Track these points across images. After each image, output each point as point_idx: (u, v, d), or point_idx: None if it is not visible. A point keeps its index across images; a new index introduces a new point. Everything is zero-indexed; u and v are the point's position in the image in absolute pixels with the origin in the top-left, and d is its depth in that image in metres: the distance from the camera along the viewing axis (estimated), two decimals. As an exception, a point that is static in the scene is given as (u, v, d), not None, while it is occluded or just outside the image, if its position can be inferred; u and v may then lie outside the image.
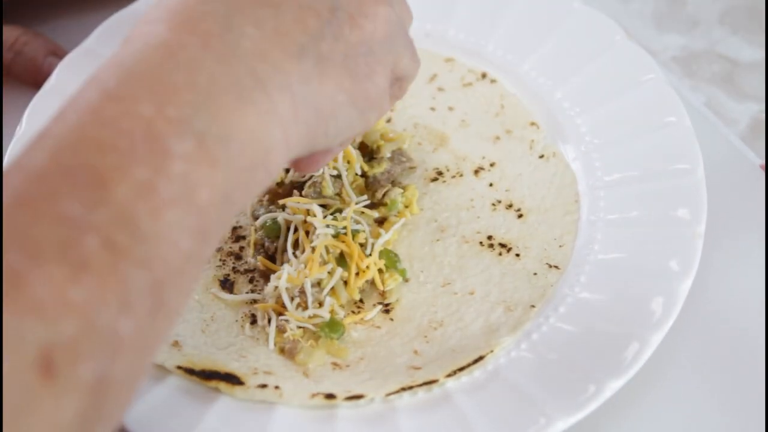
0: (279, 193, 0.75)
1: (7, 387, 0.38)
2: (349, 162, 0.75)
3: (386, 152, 0.77)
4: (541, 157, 0.78)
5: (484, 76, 0.83)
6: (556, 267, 0.71)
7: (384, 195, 0.75)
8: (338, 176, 0.74)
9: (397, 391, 0.64)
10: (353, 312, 0.70)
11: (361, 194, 0.74)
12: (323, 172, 0.73)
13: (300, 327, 0.68)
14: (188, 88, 0.48)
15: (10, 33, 0.84)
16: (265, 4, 0.52)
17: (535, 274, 0.71)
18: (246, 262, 0.73)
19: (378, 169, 0.76)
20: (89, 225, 0.42)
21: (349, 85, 0.55)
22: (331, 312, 0.69)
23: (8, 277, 0.39)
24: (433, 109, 0.82)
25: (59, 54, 0.85)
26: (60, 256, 0.40)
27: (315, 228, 0.70)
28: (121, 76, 0.48)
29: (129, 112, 0.46)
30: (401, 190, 0.75)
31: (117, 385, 0.42)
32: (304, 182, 0.74)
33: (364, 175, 0.76)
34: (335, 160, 0.74)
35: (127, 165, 0.44)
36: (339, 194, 0.73)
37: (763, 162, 0.81)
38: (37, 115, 0.79)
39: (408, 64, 0.62)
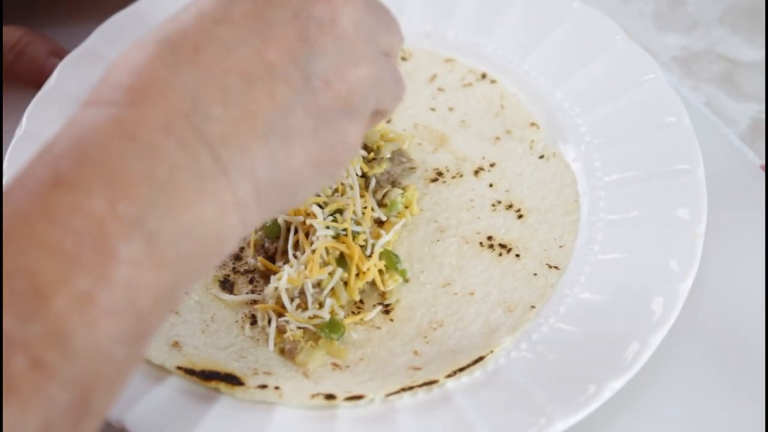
0: None
1: None
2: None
3: (386, 153, 0.77)
4: (541, 157, 0.78)
5: (484, 76, 0.83)
6: (556, 267, 0.71)
7: (384, 196, 0.75)
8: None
9: (397, 392, 0.64)
10: (353, 312, 0.70)
11: (361, 195, 0.74)
12: None
13: (300, 328, 0.68)
14: (146, 180, 0.45)
15: (12, 34, 0.84)
16: (236, 74, 0.49)
17: (535, 274, 0.71)
18: (246, 263, 0.73)
19: (378, 170, 0.76)
20: (20, 342, 0.41)
21: (317, 155, 0.52)
22: (331, 313, 0.69)
23: None
24: (433, 109, 0.82)
25: (61, 54, 0.84)
26: None
27: (315, 229, 0.70)
28: (76, 156, 0.45)
29: (80, 207, 0.43)
30: (401, 191, 0.75)
31: None
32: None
33: (363, 175, 0.76)
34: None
35: (69, 272, 0.42)
36: (336, 190, 0.73)
37: (763, 162, 0.81)
38: (37, 115, 0.79)
39: (389, 102, 0.60)
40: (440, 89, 0.83)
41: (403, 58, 0.85)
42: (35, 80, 0.84)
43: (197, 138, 0.47)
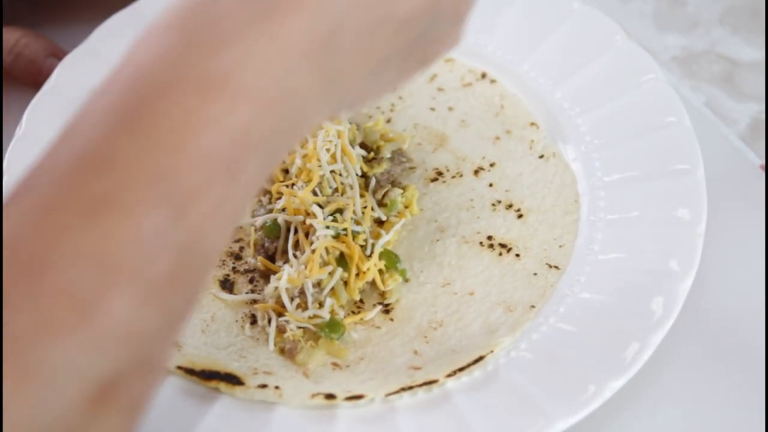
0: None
1: None
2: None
3: (386, 152, 0.77)
4: (541, 157, 0.78)
5: (484, 76, 0.83)
6: (556, 267, 0.71)
7: (384, 195, 0.75)
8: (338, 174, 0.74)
9: (397, 392, 0.64)
10: (353, 312, 0.70)
11: (361, 195, 0.74)
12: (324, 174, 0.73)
13: (300, 327, 0.68)
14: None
15: (11, 35, 0.84)
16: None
17: (535, 274, 0.71)
18: (246, 263, 0.73)
19: (378, 170, 0.76)
20: None
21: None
22: (331, 312, 0.69)
23: None
24: (433, 109, 0.82)
25: (59, 55, 0.85)
26: None
27: (315, 229, 0.70)
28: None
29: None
30: (401, 191, 0.75)
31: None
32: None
33: (363, 175, 0.76)
34: (334, 160, 0.73)
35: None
36: (337, 190, 0.73)
37: (763, 162, 0.81)
38: (36, 115, 0.79)
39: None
40: (440, 89, 0.83)
41: None
42: (34, 81, 0.84)
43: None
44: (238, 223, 0.46)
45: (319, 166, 0.72)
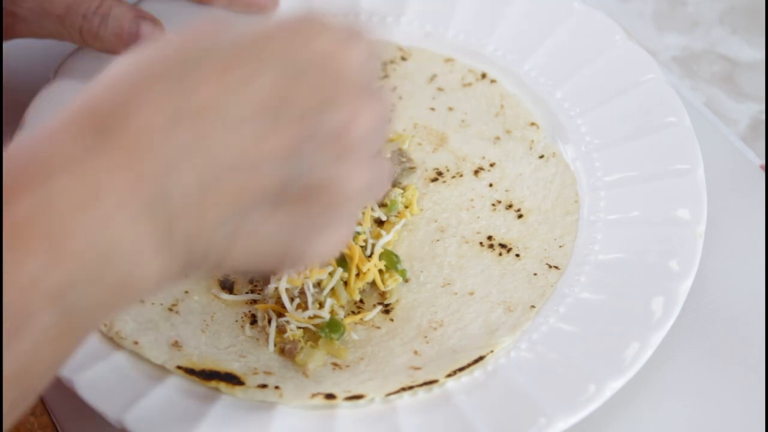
0: None
1: None
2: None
3: (386, 153, 0.77)
4: (541, 157, 0.78)
5: (484, 76, 0.83)
6: (556, 267, 0.71)
7: (384, 195, 0.75)
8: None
9: (397, 391, 0.64)
10: (353, 312, 0.70)
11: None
12: None
13: (300, 327, 0.68)
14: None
15: None
16: (229, 151, 0.45)
17: (535, 274, 0.71)
18: None
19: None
20: None
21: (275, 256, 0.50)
22: (332, 312, 0.69)
23: None
24: (432, 109, 0.82)
25: (146, 17, 0.78)
26: None
27: None
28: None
29: None
30: (401, 191, 0.75)
31: None
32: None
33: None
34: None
35: None
36: None
37: (763, 162, 0.81)
38: (37, 115, 0.79)
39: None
40: (440, 89, 0.83)
41: (403, 58, 0.85)
42: (120, 45, 0.78)
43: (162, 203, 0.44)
44: (45, 379, 0.44)
45: None
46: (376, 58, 0.52)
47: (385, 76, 0.83)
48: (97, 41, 0.77)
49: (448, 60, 0.85)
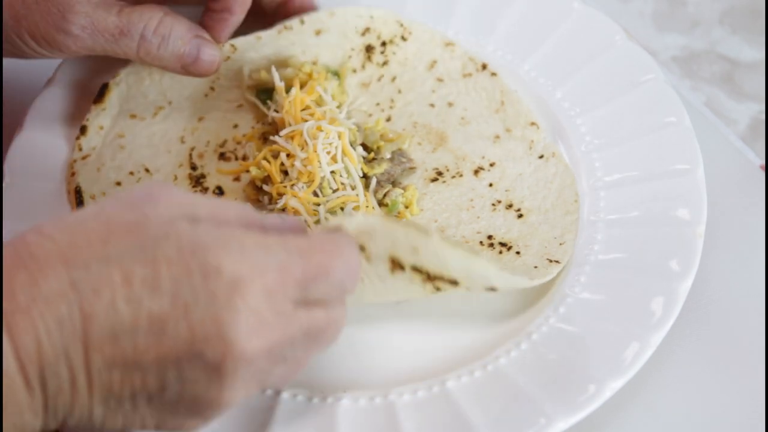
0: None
1: None
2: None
3: (386, 153, 0.77)
4: (541, 157, 0.78)
5: (484, 67, 0.83)
6: (557, 261, 0.70)
7: (385, 195, 0.75)
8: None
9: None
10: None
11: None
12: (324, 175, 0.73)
13: None
14: None
15: (153, 13, 0.75)
16: (118, 359, 0.50)
17: (535, 267, 0.70)
18: None
19: (378, 170, 0.76)
20: None
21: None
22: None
23: None
24: (432, 105, 0.82)
25: (206, 39, 0.77)
26: None
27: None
28: None
29: None
30: (401, 191, 0.75)
31: None
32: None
33: (364, 176, 0.75)
34: (335, 161, 0.73)
35: None
36: (337, 191, 0.73)
37: (763, 162, 0.81)
38: (37, 115, 0.79)
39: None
40: (440, 79, 0.83)
41: (403, 38, 0.84)
42: (179, 66, 0.77)
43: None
44: None
45: (320, 167, 0.72)
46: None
47: (385, 63, 0.83)
48: (155, 60, 0.76)
49: (448, 44, 0.84)
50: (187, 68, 0.76)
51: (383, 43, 0.83)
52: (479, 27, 0.85)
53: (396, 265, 0.59)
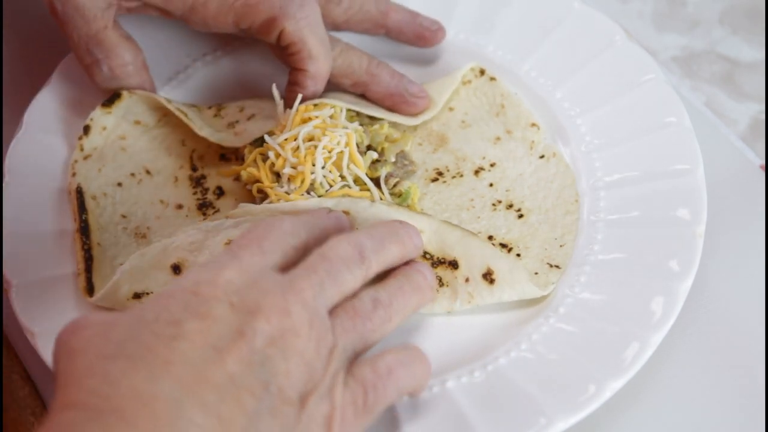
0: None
1: None
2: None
3: (391, 156, 0.77)
4: (542, 157, 0.78)
5: (482, 72, 0.83)
6: (557, 266, 0.71)
7: (395, 185, 0.75)
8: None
9: None
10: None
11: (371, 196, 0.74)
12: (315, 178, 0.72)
13: None
14: None
15: (361, 61, 0.80)
16: (210, 386, 0.51)
17: (536, 273, 0.71)
18: None
19: (382, 172, 0.76)
20: None
21: None
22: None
23: None
24: (432, 110, 0.82)
25: (373, 67, 0.80)
26: None
27: None
28: None
29: None
30: (410, 183, 0.75)
31: None
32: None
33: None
34: (339, 168, 0.73)
35: None
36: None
37: (763, 162, 0.81)
38: (37, 115, 0.79)
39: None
40: None
41: None
42: (391, 103, 0.80)
43: None
44: None
45: (313, 171, 0.71)
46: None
47: None
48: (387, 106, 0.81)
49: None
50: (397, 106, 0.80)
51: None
52: (479, 27, 0.85)
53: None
